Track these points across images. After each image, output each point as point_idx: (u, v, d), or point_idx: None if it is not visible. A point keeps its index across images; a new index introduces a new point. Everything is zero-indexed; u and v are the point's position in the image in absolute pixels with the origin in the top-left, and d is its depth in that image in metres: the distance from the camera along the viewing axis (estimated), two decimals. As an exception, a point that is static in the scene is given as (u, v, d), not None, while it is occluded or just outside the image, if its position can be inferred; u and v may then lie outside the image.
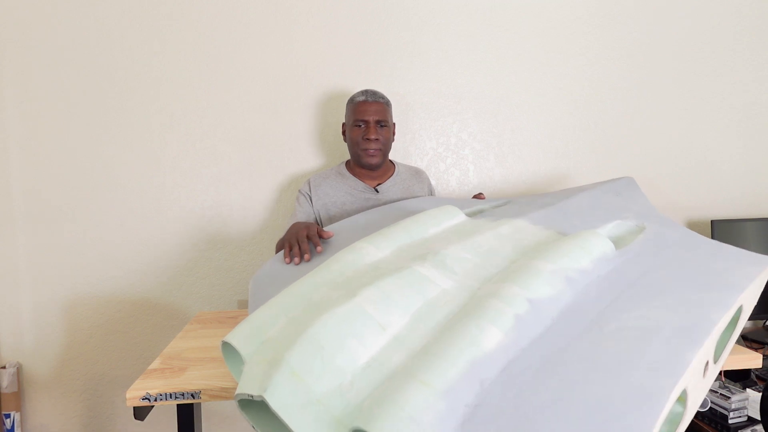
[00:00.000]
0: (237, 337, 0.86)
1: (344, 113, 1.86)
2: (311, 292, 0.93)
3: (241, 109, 1.86)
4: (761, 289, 0.93)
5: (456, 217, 1.21)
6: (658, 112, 2.05)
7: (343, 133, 1.68)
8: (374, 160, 1.60)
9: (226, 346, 0.89)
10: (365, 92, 1.62)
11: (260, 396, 0.74)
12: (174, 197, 1.86)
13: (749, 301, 0.89)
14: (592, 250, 0.99)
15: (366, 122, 1.59)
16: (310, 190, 1.64)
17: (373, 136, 1.58)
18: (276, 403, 0.73)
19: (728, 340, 0.91)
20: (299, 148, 1.90)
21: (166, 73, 1.83)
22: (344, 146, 1.90)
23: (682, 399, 0.73)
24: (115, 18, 1.80)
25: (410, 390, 0.71)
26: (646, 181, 2.05)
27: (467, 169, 1.98)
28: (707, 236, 2.05)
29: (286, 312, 0.89)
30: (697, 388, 0.75)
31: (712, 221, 1.92)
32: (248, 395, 0.76)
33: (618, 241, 1.13)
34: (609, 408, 0.66)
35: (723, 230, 1.93)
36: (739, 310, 0.89)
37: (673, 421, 0.76)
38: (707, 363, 0.77)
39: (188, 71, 1.84)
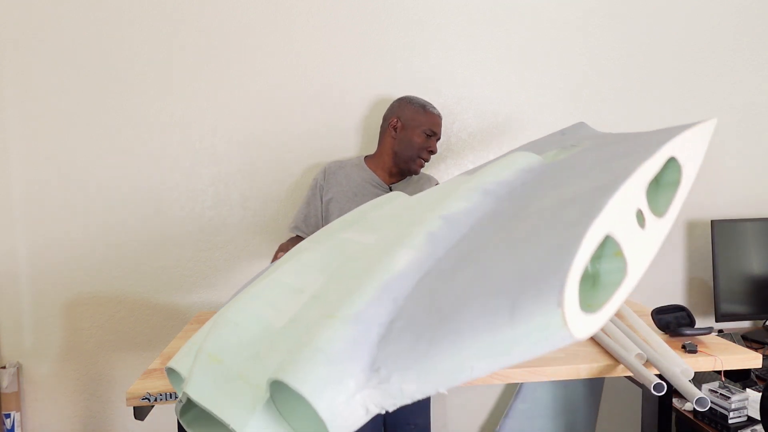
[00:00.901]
0: (175, 360, 0.83)
1: (345, 112, 1.87)
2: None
3: (241, 109, 1.86)
4: (703, 144, 0.86)
5: (398, 198, 1.18)
6: (659, 112, 2.05)
7: (393, 128, 1.68)
8: (421, 170, 1.71)
9: (172, 374, 0.86)
10: (432, 105, 1.71)
11: (184, 395, 0.73)
12: (174, 197, 1.86)
13: (686, 153, 0.83)
14: (513, 164, 0.97)
15: (436, 135, 1.69)
16: (324, 179, 1.69)
17: (435, 149, 1.69)
18: (196, 393, 0.71)
19: (672, 196, 0.83)
20: (299, 148, 1.90)
21: (166, 73, 1.83)
22: (344, 145, 1.90)
23: (619, 254, 0.69)
24: (115, 18, 1.80)
25: (317, 328, 0.69)
26: (646, 181, 2.05)
27: (467, 169, 1.98)
28: (707, 236, 2.05)
29: (216, 318, 0.88)
30: (633, 239, 0.69)
31: (712, 221, 1.92)
32: (179, 401, 0.75)
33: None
34: (523, 275, 0.64)
35: (723, 230, 1.93)
36: (674, 164, 0.83)
37: (611, 282, 0.71)
38: (641, 212, 0.72)
39: (188, 71, 1.83)
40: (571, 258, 0.61)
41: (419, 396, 0.66)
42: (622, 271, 0.68)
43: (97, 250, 1.84)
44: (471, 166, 1.99)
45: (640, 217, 0.72)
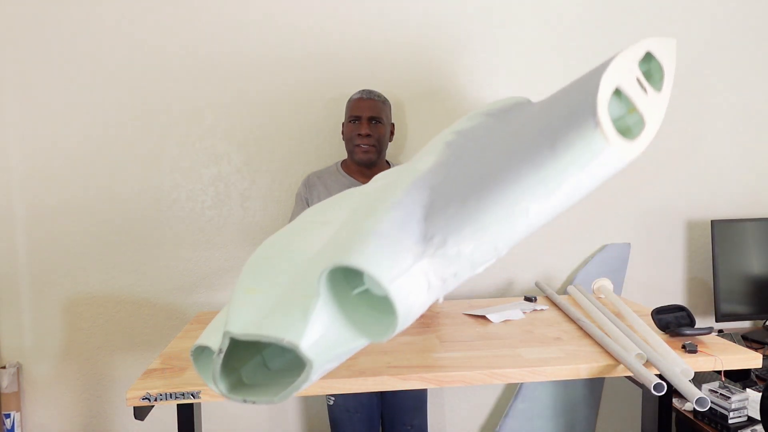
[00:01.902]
0: (203, 338, 0.82)
1: (344, 112, 1.87)
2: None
3: (241, 109, 1.86)
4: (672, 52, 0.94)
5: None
6: (658, 112, 2.05)
7: (343, 132, 1.70)
8: (367, 156, 1.62)
9: (199, 358, 0.84)
10: (361, 91, 1.67)
11: (225, 339, 0.70)
12: (174, 197, 1.86)
13: (660, 51, 0.89)
14: (507, 100, 1.06)
15: (359, 118, 1.62)
16: (306, 191, 1.66)
17: (365, 132, 1.61)
18: (240, 327, 0.69)
19: (662, 78, 0.89)
20: (299, 148, 1.90)
21: (166, 73, 1.83)
22: (344, 146, 1.90)
23: (633, 110, 0.77)
24: (115, 17, 1.80)
25: (359, 224, 0.70)
26: (646, 180, 2.05)
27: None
28: (707, 236, 2.05)
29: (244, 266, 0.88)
30: (641, 97, 0.77)
31: (712, 221, 1.92)
32: (219, 349, 0.73)
33: None
34: (553, 122, 0.69)
35: (723, 230, 1.93)
36: (654, 61, 0.89)
37: (633, 124, 0.80)
38: (640, 81, 0.79)
39: (188, 71, 1.83)
40: (596, 90, 0.66)
41: (477, 256, 0.65)
42: (641, 122, 0.75)
43: (97, 250, 1.84)
44: (471, 166, 1.99)
45: (642, 85, 0.79)
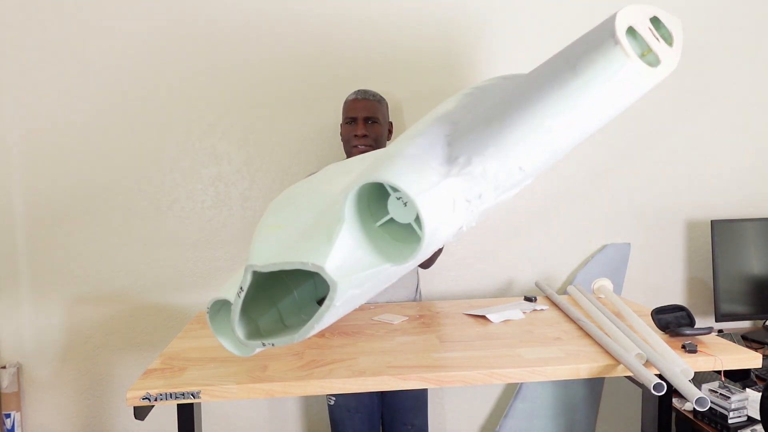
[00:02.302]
0: (222, 292, 0.83)
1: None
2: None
3: (241, 108, 1.86)
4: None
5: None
6: (658, 112, 2.05)
7: (341, 134, 1.70)
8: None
9: (216, 316, 0.85)
10: (357, 91, 1.67)
11: (248, 274, 0.72)
12: (174, 197, 1.86)
13: (667, 19, 0.91)
14: (522, 74, 1.07)
15: (355, 119, 1.62)
16: None
17: (361, 132, 1.60)
18: (263, 259, 0.70)
19: (671, 36, 0.90)
20: (299, 148, 1.90)
21: (166, 73, 1.83)
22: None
23: (648, 52, 0.77)
24: (115, 17, 1.80)
25: (387, 150, 0.74)
26: (646, 180, 2.05)
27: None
28: (707, 236, 2.05)
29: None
30: (655, 42, 0.78)
31: (712, 221, 1.92)
32: (240, 288, 0.74)
33: None
34: (574, 49, 0.72)
35: (723, 230, 1.93)
36: (659, 25, 0.90)
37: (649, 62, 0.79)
38: (652, 31, 0.80)
39: (188, 71, 1.83)
40: (613, 19, 0.69)
41: (502, 175, 0.67)
42: (656, 61, 0.75)
43: (97, 250, 1.84)
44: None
45: (653, 35, 0.80)
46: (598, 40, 0.71)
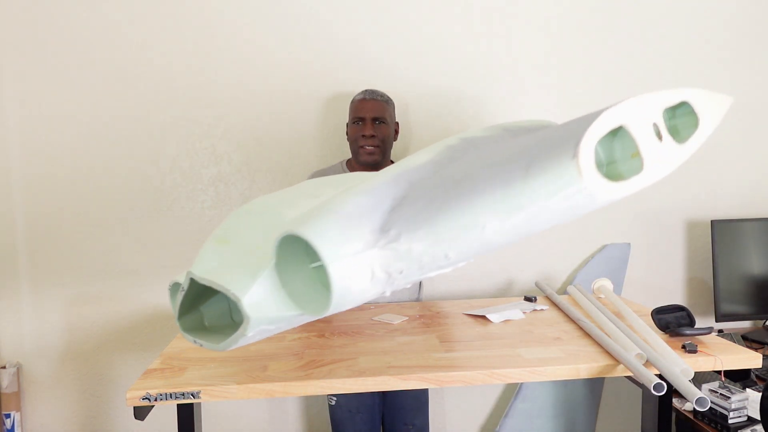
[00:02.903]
0: (179, 276, 0.84)
1: (345, 112, 1.87)
2: None
3: (241, 108, 1.86)
4: (720, 110, 0.93)
5: None
6: (658, 112, 2.05)
7: (347, 134, 1.70)
8: (372, 158, 1.62)
9: (173, 296, 0.87)
10: (364, 91, 1.66)
11: (187, 278, 0.74)
12: (174, 197, 1.86)
13: (702, 105, 0.90)
14: (525, 121, 1.05)
15: (363, 119, 1.61)
16: None
17: (368, 133, 1.60)
18: (200, 270, 0.73)
19: (695, 126, 0.88)
20: (299, 148, 1.90)
21: (166, 73, 1.83)
22: (346, 145, 1.90)
23: (636, 155, 0.73)
24: (115, 17, 1.80)
25: (334, 198, 0.72)
26: (646, 181, 2.05)
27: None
28: (707, 236, 2.05)
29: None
30: (649, 143, 0.74)
31: (712, 221, 1.92)
32: (182, 288, 0.76)
33: None
34: (540, 144, 0.68)
35: (723, 230, 1.93)
36: (692, 114, 0.88)
37: (628, 170, 0.78)
38: (657, 127, 0.77)
39: (188, 71, 1.83)
40: (588, 125, 0.64)
41: (426, 259, 0.66)
42: (639, 167, 0.72)
43: (97, 250, 1.84)
44: (471, 166, 1.99)
45: (657, 131, 0.76)
46: (561, 143, 0.66)
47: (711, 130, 0.87)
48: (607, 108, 0.70)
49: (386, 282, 0.68)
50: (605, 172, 0.81)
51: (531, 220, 0.64)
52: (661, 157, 0.76)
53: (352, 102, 1.67)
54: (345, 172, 1.68)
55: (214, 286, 0.70)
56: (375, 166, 1.63)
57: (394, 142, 1.73)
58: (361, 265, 0.65)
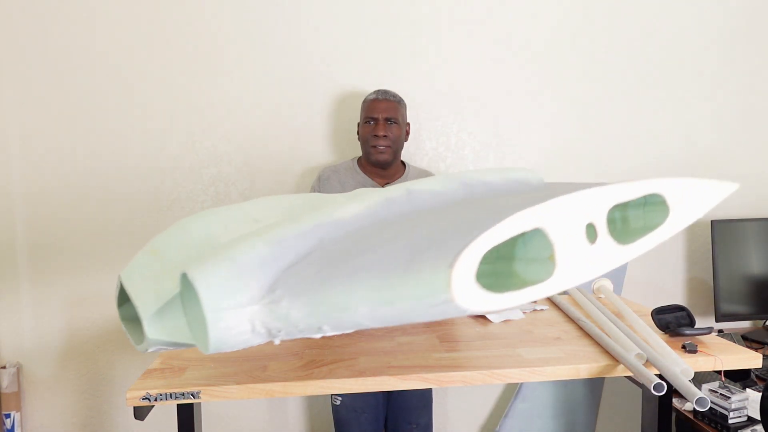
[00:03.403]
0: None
1: (345, 113, 1.87)
2: None
3: (242, 108, 1.86)
4: (710, 200, 0.86)
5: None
6: (658, 112, 2.05)
7: (358, 133, 1.71)
8: (383, 157, 1.63)
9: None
10: (377, 91, 1.68)
11: (118, 279, 0.77)
12: (174, 197, 1.86)
13: (678, 198, 0.82)
14: (507, 172, 0.97)
15: (375, 119, 1.63)
16: (319, 185, 1.67)
17: (381, 133, 1.61)
18: (126, 276, 0.76)
19: (645, 233, 0.82)
20: (299, 148, 1.90)
21: (167, 73, 1.83)
22: (346, 145, 1.90)
23: (552, 258, 0.68)
24: (115, 17, 1.80)
25: (242, 241, 0.71)
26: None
27: (467, 169, 1.98)
28: (707, 236, 2.05)
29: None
30: (572, 247, 0.69)
31: (712, 221, 1.92)
32: (117, 286, 0.79)
33: None
34: (434, 237, 0.65)
35: (723, 230, 1.93)
36: (659, 198, 0.82)
37: (533, 278, 0.72)
38: (593, 227, 0.72)
39: (189, 71, 1.83)
40: (483, 230, 0.60)
41: (302, 326, 0.66)
42: (549, 272, 0.68)
43: (97, 250, 1.84)
44: (470, 167, 1.99)
45: (591, 232, 0.72)
46: (453, 241, 0.61)
47: (690, 221, 0.82)
48: (519, 210, 0.65)
49: (268, 336, 0.69)
50: (510, 268, 0.76)
51: (401, 316, 0.62)
52: (587, 258, 0.71)
53: (365, 102, 1.68)
54: (356, 169, 1.69)
55: (130, 297, 0.73)
56: (385, 165, 1.65)
57: (405, 143, 1.74)
58: (241, 318, 0.66)
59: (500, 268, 0.75)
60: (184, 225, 0.81)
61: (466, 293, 0.58)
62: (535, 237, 0.71)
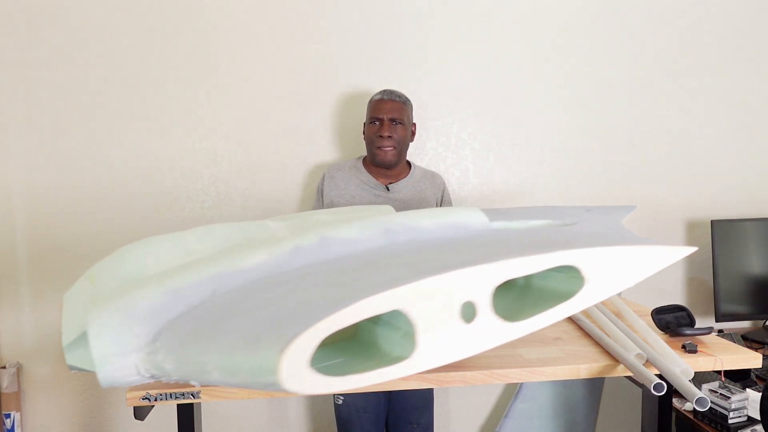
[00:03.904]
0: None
1: (345, 112, 1.87)
2: None
3: (241, 109, 1.86)
4: (644, 269, 0.80)
5: (376, 210, 1.15)
6: (658, 112, 2.05)
7: (364, 132, 1.71)
8: (387, 158, 1.63)
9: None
10: (383, 91, 1.67)
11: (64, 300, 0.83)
12: (174, 197, 1.86)
13: (596, 270, 0.78)
14: (445, 215, 0.93)
15: (380, 120, 1.62)
16: (323, 183, 1.69)
17: (386, 133, 1.61)
18: (66, 298, 0.80)
19: (541, 309, 0.79)
20: (299, 148, 1.90)
21: (167, 73, 1.83)
22: (346, 145, 1.90)
23: (412, 338, 0.66)
24: (116, 17, 1.80)
25: (145, 283, 0.75)
26: (646, 180, 2.05)
27: (467, 169, 1.98)
28: (707, 236, 2.04)
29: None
30: (440, 327, 0.67)
31: (712, 221, 1.92)
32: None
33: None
34: (291, 313, 0.65)
35: (723, 230, 1.93)
36: (573, 271, 0.79)
37: (390, 356, 0.71)
38: (473, 306, 0.69)
39: (188, 71, 1.83)
40: (325, 315, 0.60)
41: (175, 378, 0.70)
42: (407, 353, 0.66)
43: (97, 250, 1.84)
44: (470, 167, 1.99)
45: (469, 311, 0.69)
46: (285, 325, 0.62)
47: (612, 292, 0.77)
48: (371, 294, 0.63)
49: (152, 378, 0.73)
50: (362, 348, 0.75)
51: (244, 386, 0.64)
52: (460, 337, 0.69)
53: (370, 101, 1.67)
54: (360, 168, 1.69)
55: (62, 320, 0.79)
56: (390, 166, 1.65)
57: (410, 143, 1.73)
58: (127, 363, 0.71)
59: (348, 347, 0.76)
60: (121, 253, 0.84)
61: (295, 378, 0.59)
62: (395, 317, 0.70)
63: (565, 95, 2.00)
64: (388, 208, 1.14)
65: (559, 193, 2.01)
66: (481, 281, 0.70)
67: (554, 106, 2.00)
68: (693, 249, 0.85)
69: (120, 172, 1.83)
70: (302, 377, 0.60)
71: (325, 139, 1.90)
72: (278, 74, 1.87)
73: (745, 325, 2.09)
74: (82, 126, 1.81)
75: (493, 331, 0.72)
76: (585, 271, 0.77)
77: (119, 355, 0.71)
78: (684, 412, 1.52)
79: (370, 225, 0.88)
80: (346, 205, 1.63)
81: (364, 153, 1.78)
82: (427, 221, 0.91)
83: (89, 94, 1.81)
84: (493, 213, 1.07)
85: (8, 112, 1.78)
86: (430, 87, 1.93)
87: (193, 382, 0.70)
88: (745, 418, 1.41)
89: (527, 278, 0.94)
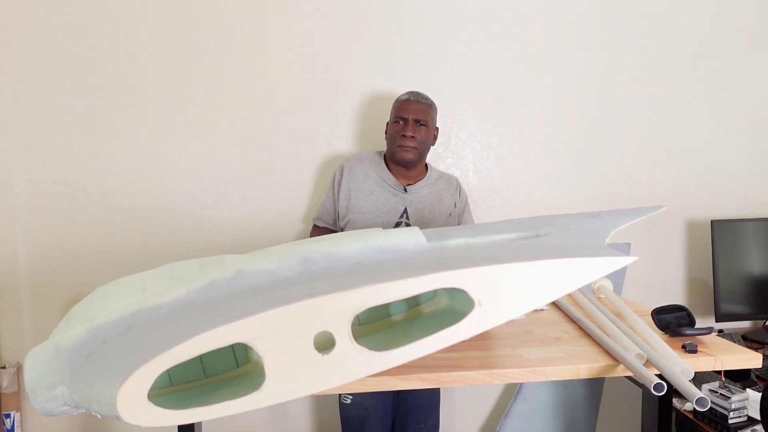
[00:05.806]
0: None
1: (345, 112, 1.87)
2: None
3: (241, 109, 1.86)
4: (552, 289, 0.78)
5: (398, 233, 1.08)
6: (659, 112, 2.05)
7: (386, 132, 1.71)
8: (408, 156, 1.63)
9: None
10: (409, 92, 1.68)
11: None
12: (174, 197, 1.86)
13: (487, 293, 0.75)
14: (375, 239, 0.91)
15: (405, 119, 1.63)
16: (342, 174, 1.68)
17: (409, 133, 1.62)
18: (57, 329, 0.86)
19: (415, 338, 0.77)
20: (299, 148, 1.90)
21: (167, 73, 1.83)
22: (343, 146, 1.91)
23: (260, 367, 0.69)
24: (116, 17, 1.80)
25: (78, 324, 0.82)
26: (646, 181, 2.05)
27: (467, 169, 1.98)
28: (707, 236, 2.05)
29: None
30: (291, 359, 0.67)
31: (712, 221, 1.92)
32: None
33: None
34: (130, 354, 0.71)
35: (723, 230, 1.93)
36: (461, 293, 0.76)
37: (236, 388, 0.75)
38: (332, 336, 0.69)
39: (189, 71, 1.83)
40: (158, 352, 0.64)
41: (83, 406, 0.77)
42: (256, 386, 0.69)
43: (97, 251, 1.84)
44: (471, 167, 1.99)
45: (327, 342, 0.69)
46: (127, 362, 0.70)
47: (513, 313, 0.74)
48: (212, 328, 0.66)
49: (77, 409, 0.80)
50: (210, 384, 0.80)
51: (115, 415, 0.70)
52: (315, 369, 0.69)
53: (396, 101, 1.68)
54: (380, 164, 1.69)
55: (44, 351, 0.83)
56: (409, 165, 1.65)
57: (431, 147, 1.73)
58: (54, 394, 0.78)
59: (196, 381, 0.81)
60: (93, 295, 0.89)
61: (134, 412, 0.65)
62: (243, 348, 0.73)
63: (566, 95, 2.00)
64: (415, 229, 1.02)
65: (558, 194, 2.01)
66: (333, 311, 0.68)
67: (554, 106, 2.00)
68: (632, 259, 0.80)
69: (120, 173, 1.83)
70: (142, 411, 0.66)
71: (324, 139, 1.90)
72: (278, 74, 1.87)
73: (745, 325, 2.09)
74: (81, 127, 1.81)
75: (357, 361, 0.70)
76: (472, 293, 0.74)
77: (47, 388, 0.78)
78: (684, 412, 1.52)
79: (289, 255, 0.87)
80: (363, 199, 1.63)
81: (362, 152, 1.78)
82: (349, 247, 0.89)
83: (89, 94, 1.81)
84: (437, 233, 1.03)
85: (8, 113, 1.78)
86: (430, 87, 1.93)
87: (94, 413, 0.76)
88: (745, 418, 1.41)
89: (452, 301, 0.91)
